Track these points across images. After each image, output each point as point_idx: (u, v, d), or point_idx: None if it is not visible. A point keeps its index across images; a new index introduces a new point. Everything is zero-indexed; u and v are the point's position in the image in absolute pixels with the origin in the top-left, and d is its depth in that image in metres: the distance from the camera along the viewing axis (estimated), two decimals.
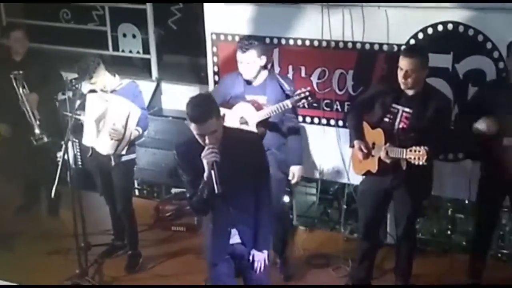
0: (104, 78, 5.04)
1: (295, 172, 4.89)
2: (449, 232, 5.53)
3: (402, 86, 4.31)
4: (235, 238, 3.86)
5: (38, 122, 5.60)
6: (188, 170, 3.68)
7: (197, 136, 3.59)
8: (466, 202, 5.18)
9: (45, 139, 5.57)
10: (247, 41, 4.68)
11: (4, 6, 6.91)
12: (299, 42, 5.33)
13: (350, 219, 5.60)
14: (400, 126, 4.36)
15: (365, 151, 4.42)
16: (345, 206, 5.58)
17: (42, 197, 6.22)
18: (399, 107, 4.37)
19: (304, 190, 5.92)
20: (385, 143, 4.29)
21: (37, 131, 5.57)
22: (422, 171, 4.20)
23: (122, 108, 4.96)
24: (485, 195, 4.59)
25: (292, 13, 5.32)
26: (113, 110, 4.95)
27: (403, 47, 4.83)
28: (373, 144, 4.44)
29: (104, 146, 5.00)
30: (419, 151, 4.03)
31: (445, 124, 4.39)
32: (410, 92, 4.33)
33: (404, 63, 4.25)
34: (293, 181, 4.94)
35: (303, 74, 5.36)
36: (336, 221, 5.82)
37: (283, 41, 5.37)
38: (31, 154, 5.84)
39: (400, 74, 4.27)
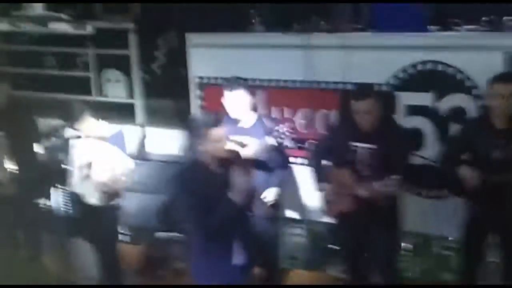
0: (90, 125, 5.06)
1: (270, 193, 4.83)
2: (435, 270, 5.51)
3: (360, 126, 4.38)
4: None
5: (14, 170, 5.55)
6: (199, 193, 3.71)
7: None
8: (450, 239, 5.19)
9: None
10: (234, 81, 4.75)
11: None
12: (282, 84, 5.41)
13: (337, 258, 5.57)
14: (363, 162, 4.41)
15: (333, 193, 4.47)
16: (332, 246, 5.57)
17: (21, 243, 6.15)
18: (360, 144, 4.43)
19: (291, 231, 5.90)
20: (353, 181, 4.33)
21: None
22: (391, 204, 4.27)
23: (110, 157, 4.97)
24: (470, 232, 4.60)
25: (274, 55, 5.42)
26: (100, 158, 4.95)
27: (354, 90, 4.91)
28: (341, 184, 4.47)
29: (91, 197, 4.98)
30: (388, 182, 4.09)
31: (404, 154, 4.47)
32: (368, 130, 4.40)
33: (357, 105, 4.33)
34: (265, 200, 4.87)
35: (286, 115, 5.42)
36: (324, 261, 5.78)
37: (266, 83, 5.45)
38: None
39: (357, 116, 4.34)
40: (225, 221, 3.73)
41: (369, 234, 4.58)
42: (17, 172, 5.56)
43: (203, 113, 5.03)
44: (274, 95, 5.48)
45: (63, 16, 3.64)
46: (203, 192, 3.70)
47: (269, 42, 5.50)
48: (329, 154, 4.61)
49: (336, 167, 4.54)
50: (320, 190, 4.62)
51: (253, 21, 5.73)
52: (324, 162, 4.66)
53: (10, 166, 5.56)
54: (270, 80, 5.47)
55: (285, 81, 5.43)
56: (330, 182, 4.54)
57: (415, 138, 4.99)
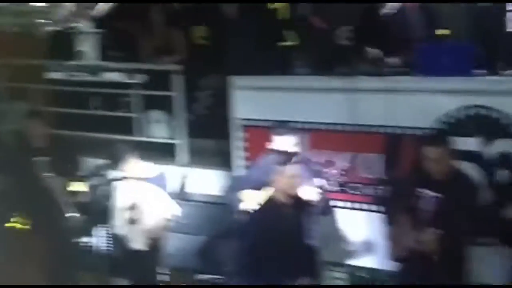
0: (133, 166, 5.12)
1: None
2: None
3: (431, 172, 4.31)
4: None
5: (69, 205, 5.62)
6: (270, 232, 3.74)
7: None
8: None
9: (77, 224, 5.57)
10: (282, 126, 4.79)
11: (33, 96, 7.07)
12: (325, 127, 5.40)
13: None
14: (432, 210, 4.33)
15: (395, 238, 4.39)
16: None
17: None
18: (429, 192, 4.36)
19: (333, 275, 5.81)
20: (416, 228, 4.25)
21: (69, 213, 5.57)
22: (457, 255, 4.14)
23: (153, 199, 5.01)
24: None
25: (317, 98, 5.44)
26: (144, 203, 4.99)
27: (427, 136, 4.86)
28: (403, 229, 4.39)
29: (135, 240, 5.01)
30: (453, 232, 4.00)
31: (473, 207, 4.35)
32: (438, 178, 4.32)
33: (430, 152, 4.26)
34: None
35: (330, 158, 5.39)
36: None
37: (311, 126, 5.45)
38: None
39: (427, 163, 4.28)
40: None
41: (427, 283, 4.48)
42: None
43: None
44: (318, 137, 5.47)
45: (115, 66, 3.74)
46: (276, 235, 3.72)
47: (313, 85, 5.53)
48: (393, 199, 4.54)
49: (399, 212, 4.46)
50: (382, 234, 4.55)
51: (297, 64, 5.79)
52: (386, 206, 4.59)
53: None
54: (313, 123, 5.47)
55: (328, 124, 5.43)
56: (392, 227, 4.46)
57: None
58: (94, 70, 3.54)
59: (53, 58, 6.09)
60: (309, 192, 4.59)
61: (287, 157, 4.63)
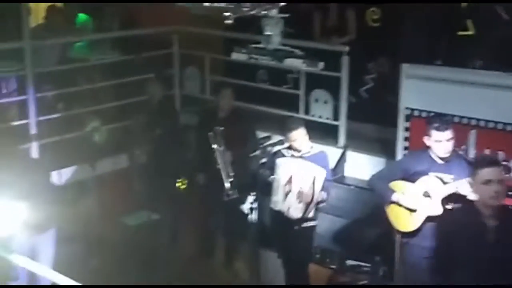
0: (302, 141, 5.22)
1: None
2: None
3: None
4: None
5: (230, 179, 5.84)
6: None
7: None
8: None
9: (235, 196, 5.80)
10: (444, 120, 4.64)
11: (209, 66, 7.41)
12: (500, 126, 5.12)
13: None
14: None
15: None
16: None
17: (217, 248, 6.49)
18: None
19: None
20: None
21: (228, 187, 5.81)
22: None
23: (311, 173, 5.10)
24: None
25: (490, 95, 5.16)
26: (302, 175, 5.10)
27: None
28: None
29: (293, 209, 5.15)
30: None
31: None
32: None
33: None
34: None
35: (501, 159, 5.12)
36: None
37: (482, 123, 5.19)
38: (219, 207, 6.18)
39: None
40: None
41: None
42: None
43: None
44: (485, 136, 5.21)
45: (297, 52, 3.78)
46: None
47: (488, 80, 5.24)
48: None
49: None
50: None
51: (472, 56, 5.53)
52: None
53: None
54: (482, 120, 5.21)
55: (498, 123, 5.14)
56: None
57: None
58: (276, 56, 3.59)
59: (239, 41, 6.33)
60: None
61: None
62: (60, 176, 6.16)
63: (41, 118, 6.30)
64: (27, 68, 6.16)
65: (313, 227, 5.31)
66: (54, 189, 5.39)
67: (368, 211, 5.79)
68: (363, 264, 5.57)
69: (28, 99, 6.20)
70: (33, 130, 6.23)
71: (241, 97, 7.02)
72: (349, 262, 5.62)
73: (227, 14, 2.66)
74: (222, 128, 5.80)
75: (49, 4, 7.34)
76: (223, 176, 5.79)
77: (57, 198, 5.14)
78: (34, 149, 6.18)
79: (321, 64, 3.93)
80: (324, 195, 5.23)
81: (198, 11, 2.99)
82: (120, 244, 6.08)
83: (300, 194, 5.09)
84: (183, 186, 6.41)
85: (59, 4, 7.56)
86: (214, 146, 5.77)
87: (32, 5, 6.38)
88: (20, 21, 6.08)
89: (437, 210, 4.61)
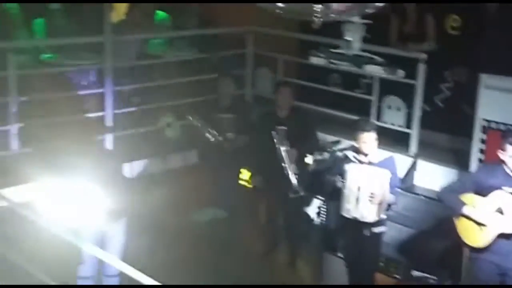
0: (371, 145, 5.19)
1: None
2: None
3: None
4: None
5: (296, 177, 5.89)
6: None
7: None
8: None
9: (301, 194, 5.82)
10: None
11: (282, 67, 7.43)
12: None
13: None
14: None
15: None
16: None
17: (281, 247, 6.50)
18: None
19: None
20: None
21: (294, 185, 5.84)
22: None
23: (379, 175, 5.07)
24: None
25: None
26: (371, 178, 5.07)
27: None
28: None
29: (365, 213, 5.13)
30: None
31: None
32: None
33: None
34: None
35: None
36: None
37: None
38: (282, 206, 6.20)
39: None
40: None
41: None
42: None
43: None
44: None
45: (377, 59, 3.75)
46: None
47: None
48: None
49: None
50: None
51: None
52: None
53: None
54: None
55: None
56: None
57: None
58: (356, 62, 3.58)
59: (312, 43, 6.35)
60: None
61: None
62: (132, 169, 6.32)
63: (117, 111, 6.49)
64: (106, 62, 6.36)
65: (382, 233, 5.27)
66: (126, 181, 5.53)
67: (436, 223, 5.68)
68: (429, 276, 5.47)
69: (105, 92, 6.41)
70: (109, 122, 6.43)
71: (311, 99, 7.03)
72: (415, 273, 5.53)
73: (315, 18, 2.66)
74: (284, 128, 5.84)
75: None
76: (289, 174, 5.84)
77: (128, 190, 5.27)
78: (109, 141, 6.37)
79: (401, 72, 3.88)
80: (392, 198, 5.20)
81: (288, 14, 3.01)
82: (187, 239, 6.18)
83: (371, 196, 5.06)
84: (248, 184, 6.49)
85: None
86: (278, 145, 5.83)
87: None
88: (102, 16, 6.29)
89: (511, 228, 4.49)
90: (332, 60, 3.71)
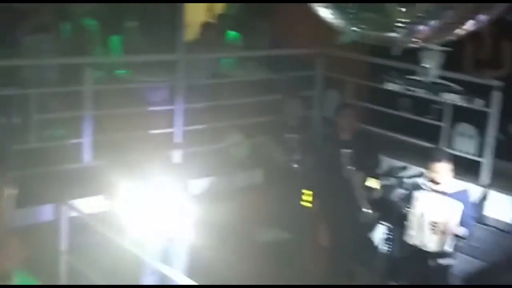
0: (445, 175, 5.08)
1: None
2: None
3: None
4: None
5: (360, 201, 5.84)
6: None
7: None
8: None
9: (366, 219, 5.76)
10: None
11: (351, 90, 7.37)
12: None
13: None
14: None
15: None
16: None
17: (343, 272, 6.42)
18: None
19: None
20: None
21: (359, 210, 5.79)
22: None
23: (449, 205, 4.95)
24: None
25: None
26: (439, 207, 4.95)
27: None
28: None
29: (427, 241, 5.02)
30: None
31: None
32: None
33: None
34: None
35: None
36: None
37: None
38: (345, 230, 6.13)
39: None
40: None
41: None
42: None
43: None
44: None
45: (454, 86, 3.69)
46: None
47: None
48: None
49: None
50: None
51: None
52: None
53: None
54: None
55: None
56: None
57: None
58: (433, 89, 3.53)
59: (384, 67, 6.30)
60: None
61: None
62: (197, 185, 6.38)
63: (186, 128, 6.59)
64: (178, 80, 6.48)
65: (450, 266, 5.12)
66: (189, 197, 5.60)
67: (508, 255, 5.49)
68: None
69: (176, 108, 6.52)
70: (178, 139, 6.53)
71: (378, 122, 6.95)
72: None
73: (395, 45, 2.64)
74: (349, 150, 5.80)
75: (204, 20, 7.71)
76: (353, 198, 5.79)
77: (194, 207, 5.33)
78: (177, 157, 6.46)
79: (480, 102, 3.79)
80: (463, 230, 5.04)
81: (367, 40, 3.00)
82: (250, 258, 6.18)
83: (433, 225, 4.94)
84: (310, 205, 6.45)
85: (213, 20, 7.91)
86: (343, 167, 5.79)
87: (187, 19, 6.70)
88: (175, 34, 6.42)
89: None
90: (408, 87, 3.67)
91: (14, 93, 5.73)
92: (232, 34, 7.69)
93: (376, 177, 6.22)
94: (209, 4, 8.20)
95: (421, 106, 7.03)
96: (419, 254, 5.10)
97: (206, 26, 7.47)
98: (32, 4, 6.33)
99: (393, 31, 2.65)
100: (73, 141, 5.95)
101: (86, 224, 5.09)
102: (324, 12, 2.78)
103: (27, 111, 5.60)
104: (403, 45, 2.70)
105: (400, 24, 2.66)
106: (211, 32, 7.36)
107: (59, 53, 6.29)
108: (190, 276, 4.15)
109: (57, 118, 6.00)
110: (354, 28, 2.98)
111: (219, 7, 8.30)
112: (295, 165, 6.54)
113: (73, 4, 6.86)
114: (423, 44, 3.21)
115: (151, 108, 6.56)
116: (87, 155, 5.98)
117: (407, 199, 5.29)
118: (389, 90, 6.77)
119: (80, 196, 5.48)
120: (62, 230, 5.24)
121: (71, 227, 5.24)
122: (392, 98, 7.16)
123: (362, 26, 2.79)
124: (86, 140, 5.97)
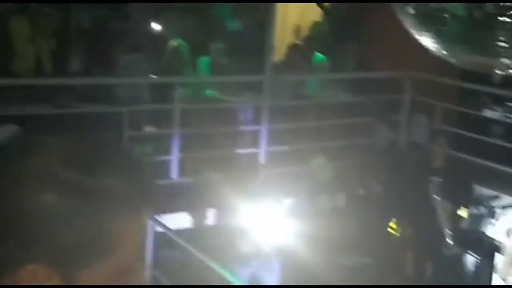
0: None
1: None
2: None
3: None
4: None
5: (449, 231, 5.63)
6: None
7: None
8: None
9: (454, 249, 5.55)
10: None
11: (440, 115, 7.19)
12: None
13: None
14: None
15: None
16: None
17: None
18: None
19: None
20: None
21: (447, 239, 5.59)
22: None
23: None
24: None
25: None
26: None
27: None
28: None
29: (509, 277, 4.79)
30: None
31: None
32: None
33: None
34: None
35: None
36: None
37: None
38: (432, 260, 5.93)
39: None
40: None
41: None
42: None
43: None
44: None
45: None
46: None
47: None
48: None
49: None
50: None
51: None
52: None
53: None
54: None
55: None
56: None
57: None
58: None
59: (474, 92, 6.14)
60: None
61: None
62: (280, 205, 6.36)
63: (271, 148, 6.61)
64: (264, 101, 6.52)
65: None
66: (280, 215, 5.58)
67: None
68: None
69: (261, 129, 6.56)
70: (262, 159, 6.55)
71: (469, 149, 6.72)
72: None
73: (498, 71, 2.54)
74: (438, 178, 5.63)
75: (291, 42, 7.76)
76: (441, 227, 5.60)
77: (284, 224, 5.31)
78: (261, 177, 6.48)
79: None
80: None
81: (467, 66, 2.90)
82: (333, 282, 6.09)
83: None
84: (395, 232, 6.30)
85: (299, 42, 7.94)
86: (431, 195, 5.63)
87: (275, 42, 6.77)
88: (262, 56, 6.49)
89: None
90: (508, 115, 3.52)
91: (108, 111, 5.94)
92: (319, 56, 7.70)
93: (465, 205, 6.01)
94: (297, 26, 8.25)
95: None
96: None
97: (293, 48, 7.51)
98: (128, 26, 6.57)
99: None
100: (162, 157, 6.09)
101: (171, 239, 5.16)
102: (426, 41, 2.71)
103: (120, 128, 5.79)
104: (506, 73, 2.59)
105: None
106: (298, 54, 7.39)
107: (152, 72, 6.49)
108: None
109: (147, 135, 6.16)
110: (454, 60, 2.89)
111: (306, 30, 8.34)
112: (380, 190, 6.42)
113: (164, 26, 7.08)
114: None
115: (237, 128, 6.63)
116: (174, 172, 6.10)
117: (493, 228, 5.07)
118: (480, 116, 6.61)
119: (166, 212, 5.58)
120: (147, 245, 5.33)
121: (156, 242, 5.33)
122: (483, 125, 6.94)
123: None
124: (174, 158, 6.10)
